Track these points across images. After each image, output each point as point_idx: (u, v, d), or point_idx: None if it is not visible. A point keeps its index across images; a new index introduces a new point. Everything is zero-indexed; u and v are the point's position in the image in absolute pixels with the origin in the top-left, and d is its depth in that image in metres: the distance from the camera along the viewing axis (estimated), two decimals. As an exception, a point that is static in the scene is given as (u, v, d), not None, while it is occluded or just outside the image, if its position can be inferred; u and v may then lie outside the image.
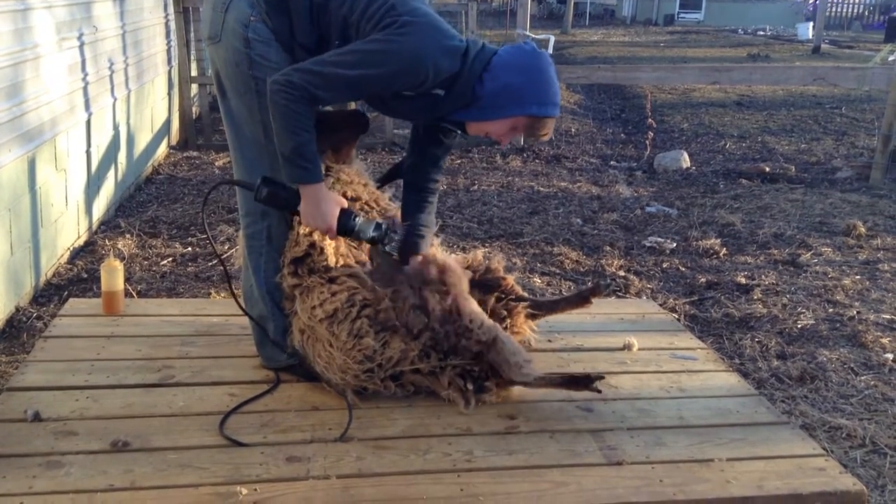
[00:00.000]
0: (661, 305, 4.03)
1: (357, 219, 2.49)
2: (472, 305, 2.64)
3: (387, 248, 2.58)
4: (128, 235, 5.10)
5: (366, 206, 2.74)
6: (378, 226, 2.52)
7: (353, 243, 2.73)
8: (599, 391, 2.56)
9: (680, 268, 5.01)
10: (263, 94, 2.42)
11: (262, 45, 2.44)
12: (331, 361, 2.55)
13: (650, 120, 9.03)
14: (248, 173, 2.58)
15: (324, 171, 2.68)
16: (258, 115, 2.49)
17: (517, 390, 2.63)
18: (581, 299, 3.07)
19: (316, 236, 2.61)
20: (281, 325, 2.68)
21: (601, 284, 3.11)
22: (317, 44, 2.47)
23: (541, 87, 2.42)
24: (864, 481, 2.69)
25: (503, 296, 2.95)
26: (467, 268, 2.95)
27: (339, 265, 2.63)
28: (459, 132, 2.65)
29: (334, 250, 2.64)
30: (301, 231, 2.60)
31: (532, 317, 3.01)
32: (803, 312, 4.29)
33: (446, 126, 2.66)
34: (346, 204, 2.50)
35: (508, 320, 2.89)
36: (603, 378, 2.58)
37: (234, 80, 2.50)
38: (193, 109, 8.11)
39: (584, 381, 2.56)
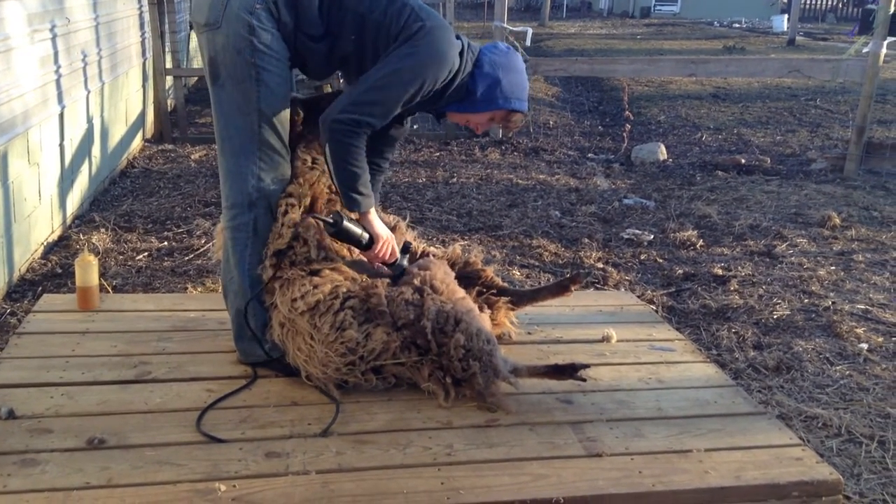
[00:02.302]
0: (639, 297, 4.05)
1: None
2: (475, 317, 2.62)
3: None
4: (102, 230, 5.04)
5: None
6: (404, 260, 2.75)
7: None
8: (584, 380, 2.57)
9: (657, 259, 5.03)
10: (263, 82, 2.49)
11: (266, 33, 2.47)
12: (311, 354, 2.54)
13: (627, 112, 9.05)
14: (235, 162, 2.57)
15: (311, 163, 2.68)
16: (255, 104, 2.50)
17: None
18: (561, 288, 3.09)
19: (300, 228, 2.59)
20: (261, 319, 2.66)
21: (580, 273, 3.14)
22: (323, 35, 2.52)
23: (520, 85, 2.69)
24: (840, 470, 2.72)
25: (484, 289, 2.95)
26: (446, 260, 2.95)
27: (320, 257, 2.62)
28: (441, 121, 2.84)
29: (316, 242, 2.62)
30: (284, 222, 2.58)
31: (514, 304, 3.02)
32: (779, 303, 4.33)
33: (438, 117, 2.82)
34: None
35: (489, 313, 2.89)
36: (588, 367, 2.59)
37: (232, 68, 2.49)
38: (168, 102, 8.02)
39: (568, 371, 2.58)
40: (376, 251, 2.63)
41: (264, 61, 2.48)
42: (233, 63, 2.49)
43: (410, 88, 2.49)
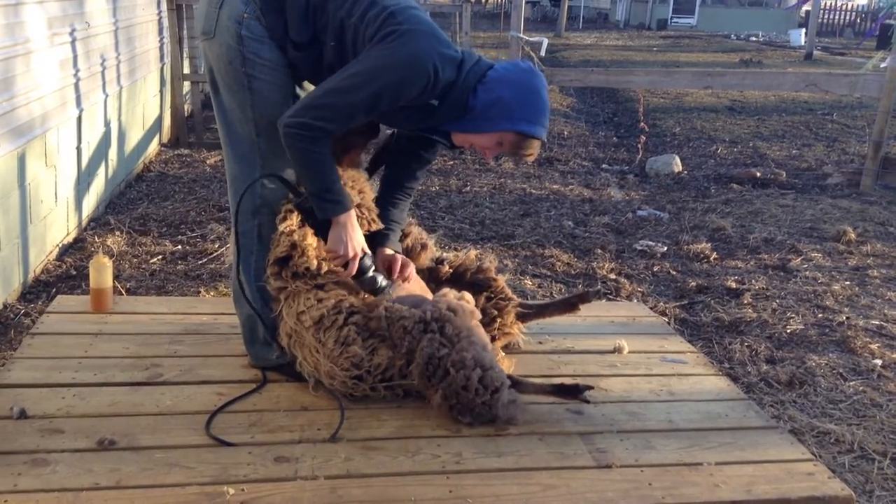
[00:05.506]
0: (651, 309, 4.03)
1: (373, 264, 2.58)
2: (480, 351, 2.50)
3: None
4: (117, 233, 5.07)
5: (364, 211, 2.71)
6: (385, 281, 2.59)
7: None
8: (588, 401, 2.56)
9: (671, 271, 5.01)
10: (256, 91, 2.45)
11: (256, 42, 2.44)
12: (317, 367, 2.53)
13: (642, 124, 9.04)
14: (240, 169, 2.57)
15: None
16: (250, 113, 2.49)
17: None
18: (569, 306, 3.07)
19: (296, 237, 2.55)
20: (270, 324, 2.66)
21: (590, 292, 3.10)
22: (310, 42, 2.46)
23: (532, 106, 2.41)
24: (853, 486, 2.69)
25: (492, 296, 2.94)
26: (459, 266, 2.94)
27: (324, 271, 2.58)
28: (445, 143, 2.65)
29: (315, 252, 2.59)
30: (281, 229, 2.56)
31: (521, 318, 3.00)
32: (793, 317, 4.31)
33: (433, 138, 2.66)
34: (366, 248, 2.56)
35: (498, 320, 2.88)
36: (592, 389, 2.58)
37: (226, 77, 2.49)
38: (185, 107, 8.08)
39: (573, 391, 2.56)
40: (330, 257, 2.51)
41: (255, 70, 2.45)
42: (227, 72, 2.48)
43: (369, 93, 2.30)
